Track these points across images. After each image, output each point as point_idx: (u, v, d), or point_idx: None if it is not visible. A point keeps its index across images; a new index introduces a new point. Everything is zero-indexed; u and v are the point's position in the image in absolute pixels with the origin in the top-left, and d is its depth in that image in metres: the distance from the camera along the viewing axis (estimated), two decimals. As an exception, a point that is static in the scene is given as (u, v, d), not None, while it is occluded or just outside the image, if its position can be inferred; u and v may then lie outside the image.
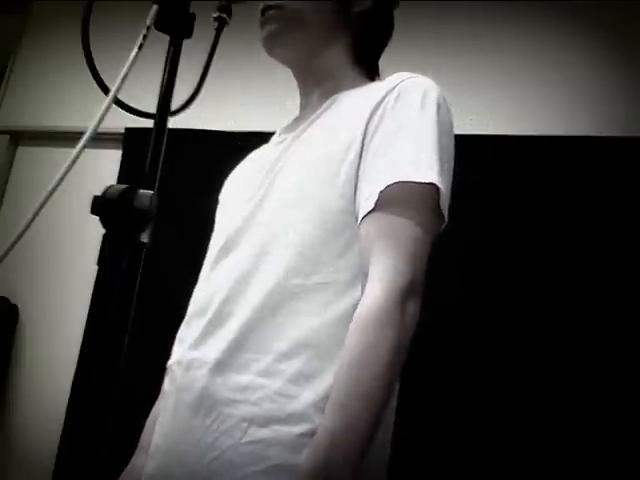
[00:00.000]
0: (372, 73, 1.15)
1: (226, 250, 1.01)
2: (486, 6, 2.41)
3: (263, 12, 1.08)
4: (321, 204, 0.95)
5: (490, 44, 2.41)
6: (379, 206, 0.90)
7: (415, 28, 2.36)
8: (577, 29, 2.34)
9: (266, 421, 0.88)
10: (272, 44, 1.09)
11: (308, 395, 0.88)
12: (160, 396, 1.13)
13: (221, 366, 0.92)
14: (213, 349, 0.94)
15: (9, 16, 3.02)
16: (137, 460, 1.10)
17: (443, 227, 0.96)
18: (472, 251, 2.05)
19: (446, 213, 0.94)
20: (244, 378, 0.90)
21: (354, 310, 0.89)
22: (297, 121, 1.13)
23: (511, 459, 1.92)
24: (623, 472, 1.83)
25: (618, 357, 1.94)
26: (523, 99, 2.31)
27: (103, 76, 0.78)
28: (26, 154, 2.90)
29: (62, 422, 2.34)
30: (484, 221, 2.07)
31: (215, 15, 0.91)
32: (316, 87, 1.12)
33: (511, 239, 2.11)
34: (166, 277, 2.26)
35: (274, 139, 1.16)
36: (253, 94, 2.58)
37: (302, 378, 0.89)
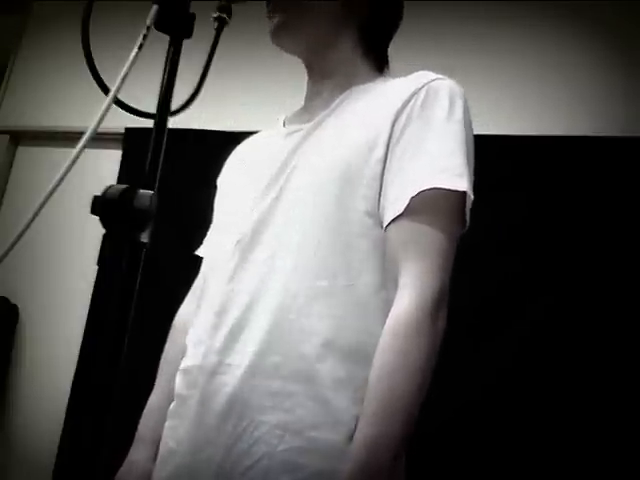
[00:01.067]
0: (381, 63, 1.12)
1: (242, 251, 0.98)
2: (487, 6, 2.41)
3: (269, 4, 1.07)
4: (342, 205, 0.93)
5: (490, 44, 2.41)
6: (408, 211, 0.89)
7: (416, 28, 2.36)
8: (577, 29, 2.34)
9: (301, 428, 0.87)
10: (279, 36, 1.07)
11: (340, 400, 0.88)
12: (157, 393, 1.12)
13: (250, 371, 0.91)
14: (241, 354, 0.92)
15: (9, 16, 3.02)
16: (136, 454, 1.08)
17: (464, 231, 0.96)
18: (473, 251, 2.04)
19: (468, 218, 0.94)
20: (275, 383, 0.89)
21: (381, 312, 0.89)
22: (307, 112, 1.09)
23: (513, 459, 1.92)
24: (624, 472, 1.83)
25: (621, 358, 1.94)
26: (523, 99, 2.31)
27: (103, 76, 0.77)
28: (26, 154, 2.90)
29: (62, 422, 2.34)
30: (485, 221, 2.06)
31: (215, 15, 0.91)
32: (326, 79, 1.09)
33: (512, 239, 2.10)
34: (166, 277, 2.26)
35: (282, 129, 1.12)
36: (253, 94, 2.58)
37: (333, 382, 0.88)
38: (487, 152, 2.10)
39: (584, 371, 1.94)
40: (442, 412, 1.94)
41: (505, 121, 2.26)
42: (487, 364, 2.00)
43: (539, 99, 2.30)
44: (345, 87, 1.06)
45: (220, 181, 1.20)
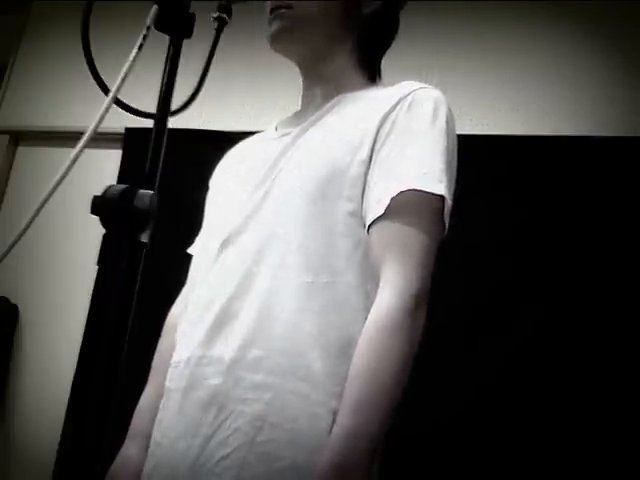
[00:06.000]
0: (374, 74, 1.15)
1: (228, 247, 1.01)
2: (486, 6, 2.41)
3: (272, 11, 1.08)
4: (327, 205, 0.96)
5: (490, 44, 2.41)
6: (390, 212, 0.93)
7: (416, 29, 2.36)
8: (577, 29, 2.34)
9: (279, 420, 0.89)
10: (279, 40, 1.09)
11: (319, 394, 0.90)
12: (151, 388, 1.12)
13: (233, 364, 0.93)
14: (224, 347, 0.94)
15: (9, 16, 3.02)
16: (129, 450, 1.08)
17: (443, 236, 0.98)
18: (472, 251, 2.05)
19: (447, 224, 0.97)
20: (257, 377, 0.91)
21: (362, 309, 0.92)
22: (298, 117, 1.13)
23: (510, 460, 1.92)
24: (623, 472, 1.84)
25: (618, 358, 1.94)
26: (523, 99, 2.31)
27: (103, 76, 0.78)
28: (26, 154, 2.89)
29: (62, 422, 2.33)
30: (484, 221, 2.07)
31: (215, 15, 0.92)
32: (319, 86, 1.12)
33: (511, 239, 2.10)
34: (166, 279, 2.26)
35: (272, 133, 1.15)
36: (253, 94, 2.58)
37: (313, 376, 0.91)
38: (486, 152, 2.13)
39: (582, 371, 1.94)
40: (438, 411, 1.94)
41: (504, 121, 2.26)
42: (485, 363, 2.00)
43: (539, 99, 2.30)
44: (337, 94, 1.09)
45: (212, 183, 1.23)
